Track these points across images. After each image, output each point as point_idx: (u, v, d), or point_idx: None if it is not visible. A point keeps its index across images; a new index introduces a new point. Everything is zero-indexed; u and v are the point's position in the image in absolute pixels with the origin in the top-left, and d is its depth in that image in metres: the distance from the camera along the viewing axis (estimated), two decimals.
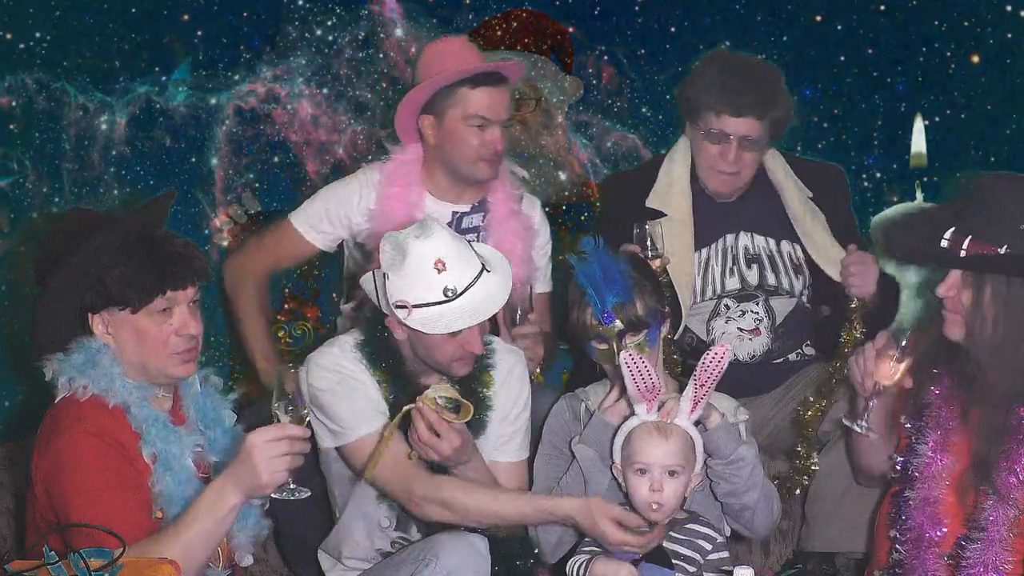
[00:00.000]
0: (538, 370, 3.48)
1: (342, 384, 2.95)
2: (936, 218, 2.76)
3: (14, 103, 4.19)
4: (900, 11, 4.59)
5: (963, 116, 4.58)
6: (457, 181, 3.59)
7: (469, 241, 2.96)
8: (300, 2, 4.43)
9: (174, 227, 2.99)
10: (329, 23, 4.44)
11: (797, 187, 3.69)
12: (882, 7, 4.59)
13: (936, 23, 4.58)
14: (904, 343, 2.79)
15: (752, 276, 3.68)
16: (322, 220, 3.62)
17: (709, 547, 2.85)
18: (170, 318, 2.71)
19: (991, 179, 2.75)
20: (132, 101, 4.31)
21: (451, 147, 3.53)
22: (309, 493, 2.63)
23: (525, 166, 3.84)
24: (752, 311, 3.67)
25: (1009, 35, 4.54)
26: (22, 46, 4.21)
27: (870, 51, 4.61)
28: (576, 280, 3.01)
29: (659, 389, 2.83)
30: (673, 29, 4.59)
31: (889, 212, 3.42)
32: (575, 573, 2.84)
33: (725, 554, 2.87)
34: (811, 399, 3.46)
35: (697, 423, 2.88)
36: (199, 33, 4.38)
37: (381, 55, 4.47)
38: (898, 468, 2.84)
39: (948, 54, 4.58)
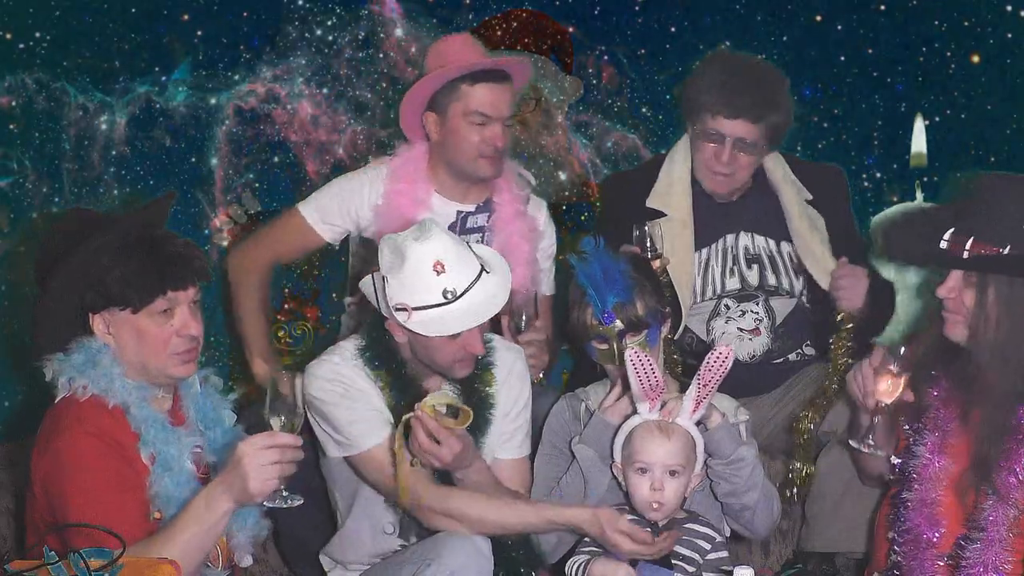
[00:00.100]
0: (540, 376, 3.47)
1: (344, 395, 2.94)
2: (936, 218, 2.76)
3: (14, 103, 4.19)
4: (900, 11, 4.59)
5: (963, 116, 4.58)
6: (461, 179, 3.59)
7: (468, 243, 2.96)
8: (300, 2, 4.43)
9: (174, 227, 2.99)
10: (329, 23, 4.44)
11: (795, 190, 3.69)
12: (882, 7, 4.59)
13: (936, 23, 4.58)
14: (901, 358, 2.78)
15: (752, 276, 3.68)
16: (332, 212, 3.61)
17: (708, 547, 2.85)
18: (171, 318, 2.70)
19: (991, 179, 2.75)
20: (132, 101, 4.31)
21: (452, 144, 3.53)
22: (301, 501, 2.61)
23: (525, 166, 3.84)
24: (752, 311, 3.66)
25: (1009, 35, 4.54)
26: (22, 46, 4.21)
27: (870, 51, 4.60)
28: (576, 280, 3.01)
29: (662, 388, 2.84)
30: (673, 29, 4.58)
31: (889, 212, 3.42)
32: (574, 573, 2.84)
33: (724, 554, 2.87)
34: (806, 413, 3.46)
35: (698, 423, 2.89)
36: (199, 33, 4.37)
37: (381, 55, 4.46)
38: (896, 470, 2.84)
39: (948, 54, 4.58)
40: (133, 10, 4.33)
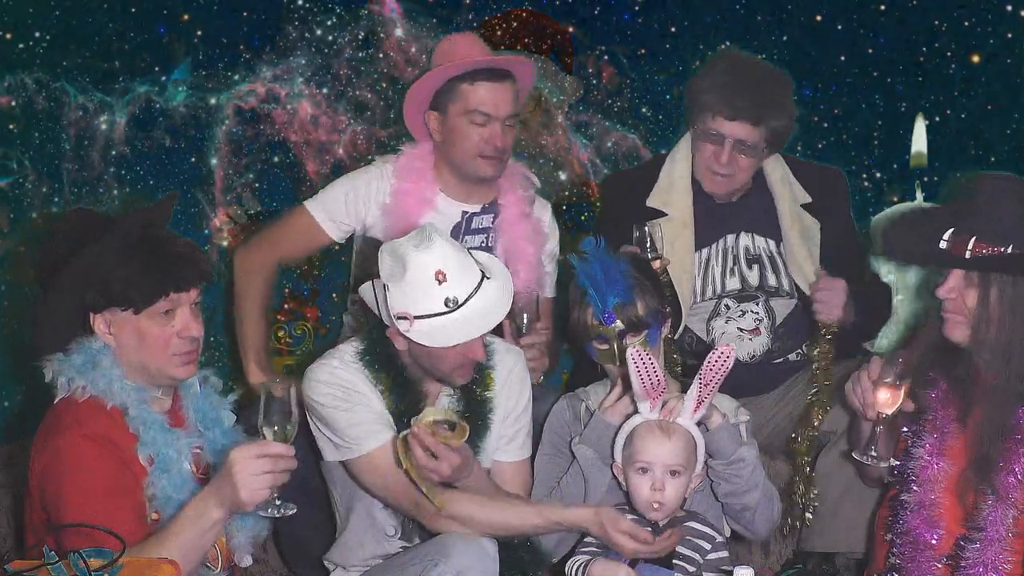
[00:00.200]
0: (540, 378, 3.46)
1: (344, 398, 2.93)
2: (936, 218, 2.76)
3: (14, 103, 4.19)
4: (900, 11, 4.59)
5: (963, 116, 4.58)
6: (464, 179, 3.58)
7: (468, 249, 2.94)
8: (300, 2, 4.43)
9: (174, 227, 2.98)
10: (329, 23, 4.44)
11: (790, 195, 3.69)
12: (882, 7, 4.59)
13: (936, 23, 4.58)
14: (899, 367, 2.78)
15: (752, 276, 3.67)
16: (339, 210, 3.60)
17: (708, 547, 2.85)
18: (172, 319, 2.70)
19: (991, 179, 2.75)
20: (132, 101, 4.31)
21: (453, 143, 3.53)
22: (294, 510, 2.59)
23: (521, 163, 3.83)
24: (752, 311, 3.66)
25: (1009, 35, 4.54)
26: (22, 46, 4.21)
27: (870, 51, 4.60)
28: (577, 280, 3.01)
29: (663, 387, 2.84)
30: (673, 29, 4.58)
31: (889, 212, 3.43)
32: (574, 574, 2.84)
33: (725, 554, 2.87)
34: (795, 435, 3.46)
35: (699, 423, 2.88)
36: (199, 33, 4.37)
37: (381, 55, 4.46)
38: (895, 471, 2.84)
39: (948, 54, 4.58)
40: (133, 10, 4.33)
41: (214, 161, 4.40)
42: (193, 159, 4.39)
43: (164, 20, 4.35)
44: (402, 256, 2.79)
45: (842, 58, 4.60)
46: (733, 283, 3.67)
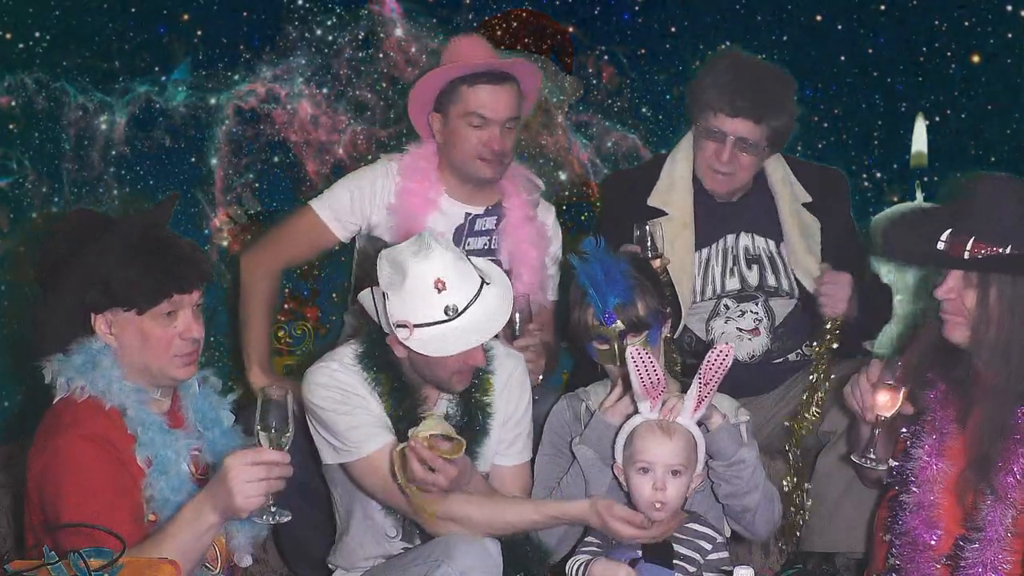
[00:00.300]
0: (540, 378, 3.46)
1: (343, 402, 2.92)
2: (936, 218, 2.76)
3: (14, 103, 4.19)
4: (900, 11, 4.58)
5: (963, 116, 4.58)
6: (465, 181, 3.59)
7: (467, 255, 2.93)
8: (300, 2, 4.43)
9: (174, 227, 2.98)
10: (329, 23, 4.44)
11: (791, 194, 3.69)
12: (882, 7, 4.58)
13: (936, 23, 4.57)
14: (898, 370, 2.77)
15: (752, 277, 3.68)
16: (344, 209, 3.60)
17: (709, 547, 2.85)
18: (175, 321, 2.71)
19: (991, 180, 2.75)
20: (132, 101, 4.31)
21: (453, 145, 3.53)
22: (289, 517, 2.59)
23: (525, 166, 3.84)
24: (752, 311, 3.66)
25: (1009, 35, 4.54)
26: (22, 46, 4.21)
27: (870, 51, 4.60)
28: (577, 280, 3.01)
29: (664, 386, 2.83)
30: (673, 29, 4.58)
31: (889, 212, 3.42)
32: (574, 573, 2.84)
33: (725, 554, 2.87)
34: (794, 423, 3.47)
35: (699, 424, 2.88)
36: (199, 33, 4.37)
37: (381, 55, 4.46)
38: (894, 472, 2.83)
39: (948, 54, 4.58)
40: (133, 10, 4.33)
41: (214, 161, 4.40)
42: (193, 159, 4.39)
43: (164, 20, 4.34)
44: (401, 264, 2.78)
45: (842, 58, 4.60)
46: (733, 283, 3.67)
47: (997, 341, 2.66)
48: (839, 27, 4.60)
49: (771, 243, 3.69)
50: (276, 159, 4.45)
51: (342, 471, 3.00)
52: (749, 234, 3.70)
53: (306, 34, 4.42)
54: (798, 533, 3.43)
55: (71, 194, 4.25)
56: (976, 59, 4.57)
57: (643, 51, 4.58)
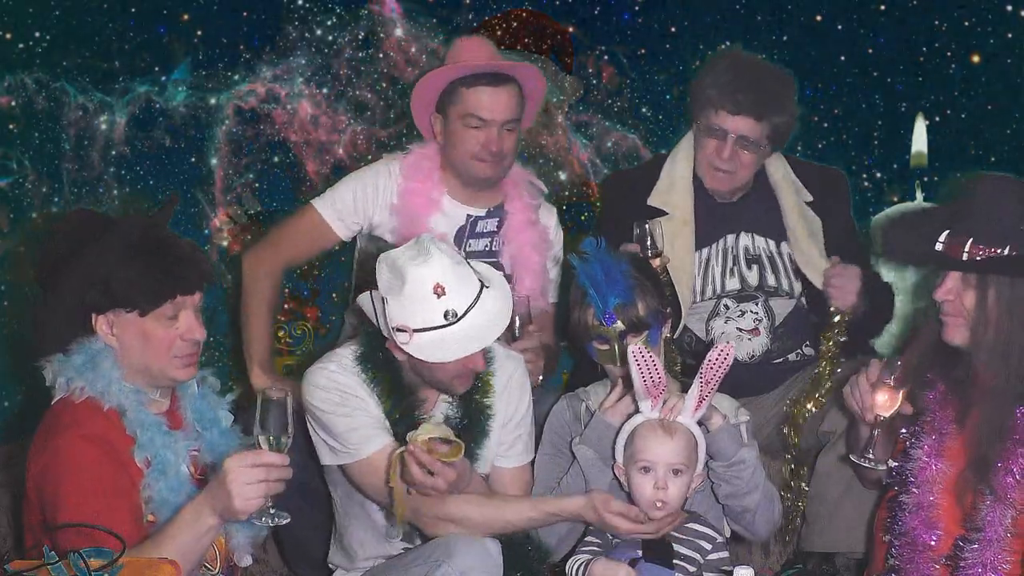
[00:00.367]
0: (539, 379, 3.46)
1: (342, 403, 2.92)
2: (936, 219, 2.76)
3: (14, 103, 4.19)
4: (900, 11, 4.59)
5: (963, 116, 4.58)
6: (466, 182, 3.58)
7: (466, 259, 2.92)
8: (300, 2, 4.43)
9: (174, 227, 2.98)
10: (329, 23, 4.44)
11: (794, 191, 3.69)
12: (882, 7, 4.59)
13: (936, 23, 4.58)
14: (897, 370, 2.77)
15: (752, 277, 3.68)
16: (347, 208, 3.59)
17: (709, 547, 2.85)
18: (176, 322, 2.70)
19: (990, 180, 2.75)
20: (132, 101, 4.31)
21: (453, 146, 3.53)
22: (288, 519, 2.59)
23: (525, 166, 3.83)
24: (752, 311, 3.66)
25: (1009, 35, 4.54)
26: (22, 46, 4.21)
27: (870, 51, 4.60)
28: (577, 281, 3.00)
29: (664, 385, 2.83)
30: (673, 29, 4.58)
31: (889, 212, 3.42)
32: (574, 573, 2.84)
33: (725, 554, 2.87)
34: (797, 409, 3.47)
35: (700, 424, 2.88)
36: (199, 33, 4.37)
37: (381, 55, 4.46)
38: (893, 473, 2.83)
39: (948, 54, 4.58)
40: (133, 10, 4.33)
41: (214, 161, 4.40)
42: (193, 159, 4.39)
43: (164, 20, 4.35)
44: (400, 269, 2.77)
45: (842, 58, 4.61)
46: (733, 283, 3.67)
47: (996, 342, 2.66)
48: (839, 27, 4.60)
49: (771, 243, 3.69)
50: (276, 159, 4.45)
51: (342, 472, 3.00)
52: (749, 234, 3.70)
53: (306, 34, 4.42)
54: (787, 538, 3.44)
55: (71, 194, 4.25)
56: (976, 59, 4.57)
57: (643, 51, 4.59)
